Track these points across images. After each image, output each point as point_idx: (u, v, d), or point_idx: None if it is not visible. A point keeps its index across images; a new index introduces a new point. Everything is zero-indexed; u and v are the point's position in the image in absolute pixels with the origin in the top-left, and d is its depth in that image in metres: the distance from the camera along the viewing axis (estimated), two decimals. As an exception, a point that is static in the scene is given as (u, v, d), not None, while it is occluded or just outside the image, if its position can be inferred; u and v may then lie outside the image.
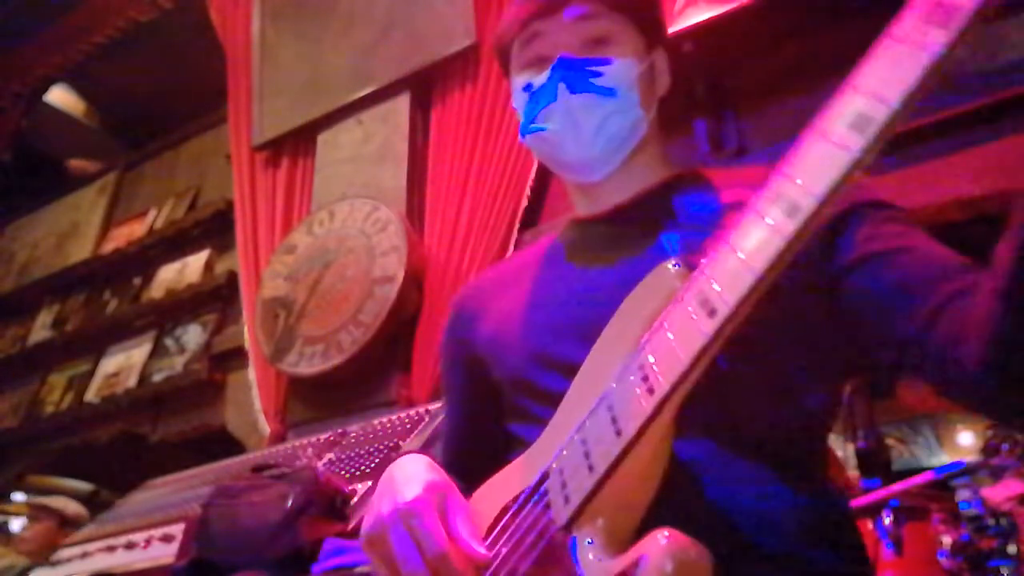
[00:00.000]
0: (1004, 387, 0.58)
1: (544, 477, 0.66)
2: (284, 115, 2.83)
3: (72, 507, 3.14)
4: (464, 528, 0.69)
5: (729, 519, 0.66)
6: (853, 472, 2.03)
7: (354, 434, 1.90)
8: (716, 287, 0.54)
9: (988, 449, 1.89)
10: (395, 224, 2.31)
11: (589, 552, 0.59)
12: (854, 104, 0.49)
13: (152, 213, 3.54)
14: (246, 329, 2.61)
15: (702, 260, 0.58)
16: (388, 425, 1.85)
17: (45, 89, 4.32)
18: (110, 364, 3.25)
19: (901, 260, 0.67)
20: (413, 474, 0.73)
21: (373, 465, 1.66)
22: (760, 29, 1.94)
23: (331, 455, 1.84)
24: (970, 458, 1.90)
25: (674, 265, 0.65)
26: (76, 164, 4.13)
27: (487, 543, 0.69)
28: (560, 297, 0.83)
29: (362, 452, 1.76)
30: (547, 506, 0.64)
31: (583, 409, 0.65)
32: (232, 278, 2.91)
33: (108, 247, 3.59)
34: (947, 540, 1.68)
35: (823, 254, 0.71)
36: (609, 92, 0.82)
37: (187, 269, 3.23)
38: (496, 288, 0.92)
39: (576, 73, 0.81)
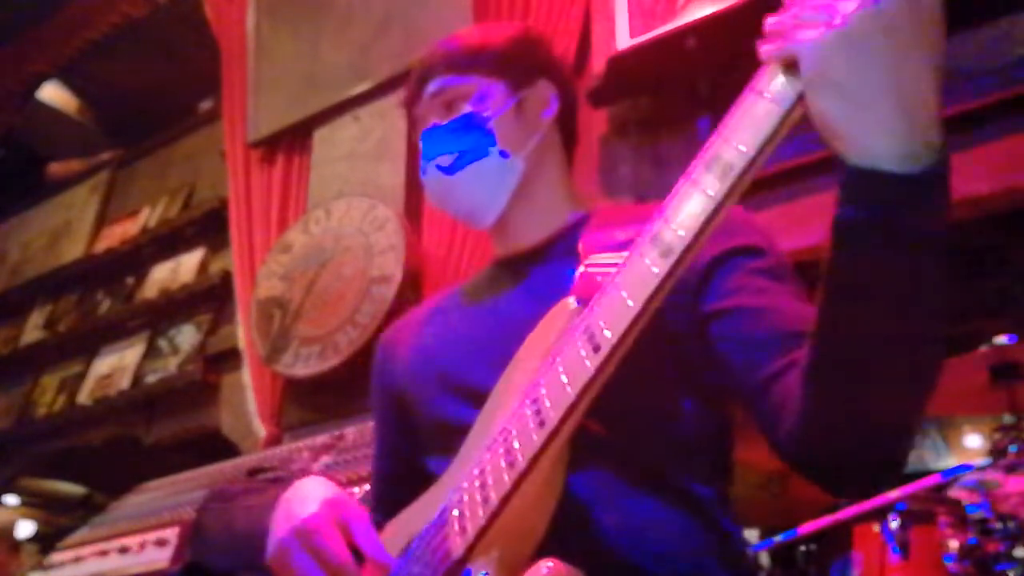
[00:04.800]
0: (807, 461, 0.64)
1: (444, 509, 0.69)
2: (280, 111, 2.81)
3: (20, 526, 3.10)
4: (367, 537, 0.71)
5: (619, 548, 0.69)
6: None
7: (351, 437, 1.88)
8: (601, 323, 0.59)
9: (996, 451, 1.88)
10: (393, 223, 2.29)
11: None
12: (719, 152, 0.54)
13: (145, 212, 3.51)
14: (241, 330, 2.58)
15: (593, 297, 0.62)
16: (386, 428, 1.82)
17: (38, 86, 4.29)
18: (103, 365, 3.22)
19: (755, 320, 0.71)
20: (307, 493, 0.75)
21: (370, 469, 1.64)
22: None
23: (327, 458, 1.82)
24: (977, 461, 1.89)
25: (574, 302, 0.69)
26: (57, 167, 4.09)
27: (391, 573, 0.71)
28: (468, 330, 0.88)
29: (359, 455, 1.74)
30: (444, 538, 0.67)
31: (484, 442, 0.68)
32: (227, 278, 2.88)
33: (101, 246, 3.56)
34: (954, 544, 1.67)
35: (696, 296, 0.75)
36: (458, 147, 0.87)
37: (181, 268, 3.21)
38: (415, 326, 0.96)
39: (432, 142, 0.89)
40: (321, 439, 1.97)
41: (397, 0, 2.59)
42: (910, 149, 0.50)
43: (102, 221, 3.71)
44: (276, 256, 2.55)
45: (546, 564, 0.57)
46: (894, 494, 1.71)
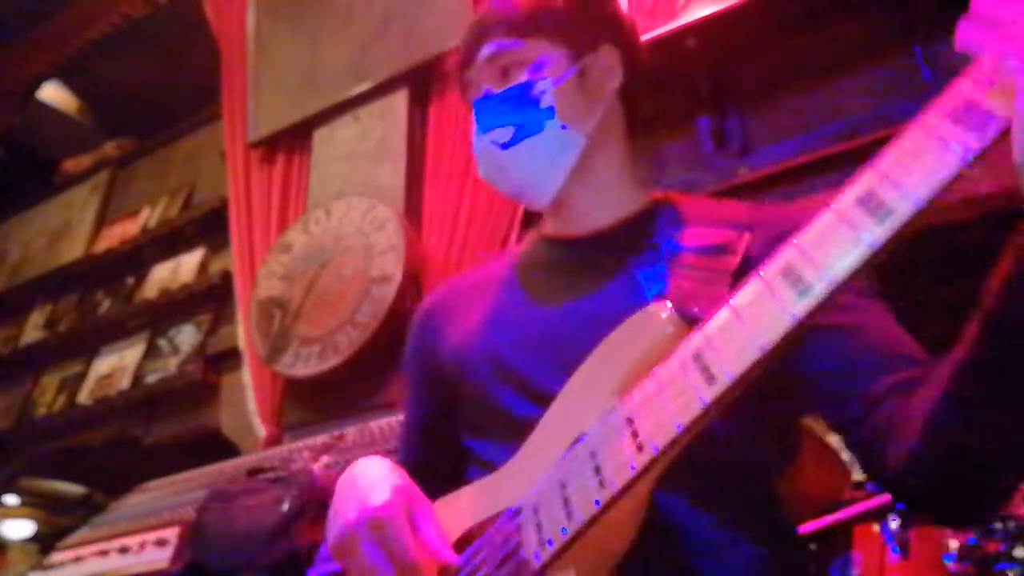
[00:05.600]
0: (917, 492, 0.61)
1: (517, 511, 0.65)
2: (280, 111, 2.80)
3: (6, 527, 3.10)
4: (434, 534, 0.68)
5: (697, 569, 0.66)
6: (860, 476, 2.01)
7: (351, 437, 1.88)
8: (718, 355, 0.52)
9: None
10: (393, 222, 2.28)
11: None
12: (879, 191, 0.46)
13: (145, 212, 3.51)
14: (241, 330, 2.58)
15: (695, 310, 0.57)
16: (386, 428, 1.83)
17: (38, 86, 4.29)
18: (103, 365, 3.22)
19: (855, 338, 0.67)
20: (378, 477, 0.70)
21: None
22: (764, 25, 1.92)
23: (327, 458, 1.82)
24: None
25: (667, 312, 0.63)
26: (70, 164, 4.09)
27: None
28: (529, 317, 0.81)
29: (359, 455, 1.73)
30: (519, 544, 0.63)
31: (557, 444, 0.64)
32: (227, 277, 2.88)
33: (101, 246, 3.56)
34: (954, 544, 1.67)
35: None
36: (514, 120, 0.82)
37: (181, 268, 3.20)
38: (463, 299, 0.90)
39: (485, 112, 0.83)
40: (321, 439, 1.97)
41: (397, 0, 2.59)
42: None
43: (102, 221, 3.71)
44: (276, 256, 2.55)
45: None
46: (894, 494, 1.71)
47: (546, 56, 0.83)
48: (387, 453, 1.67)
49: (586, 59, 0.84)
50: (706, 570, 0.66)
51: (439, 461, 0.85)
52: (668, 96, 2.08)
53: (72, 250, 3.67)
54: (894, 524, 1.68)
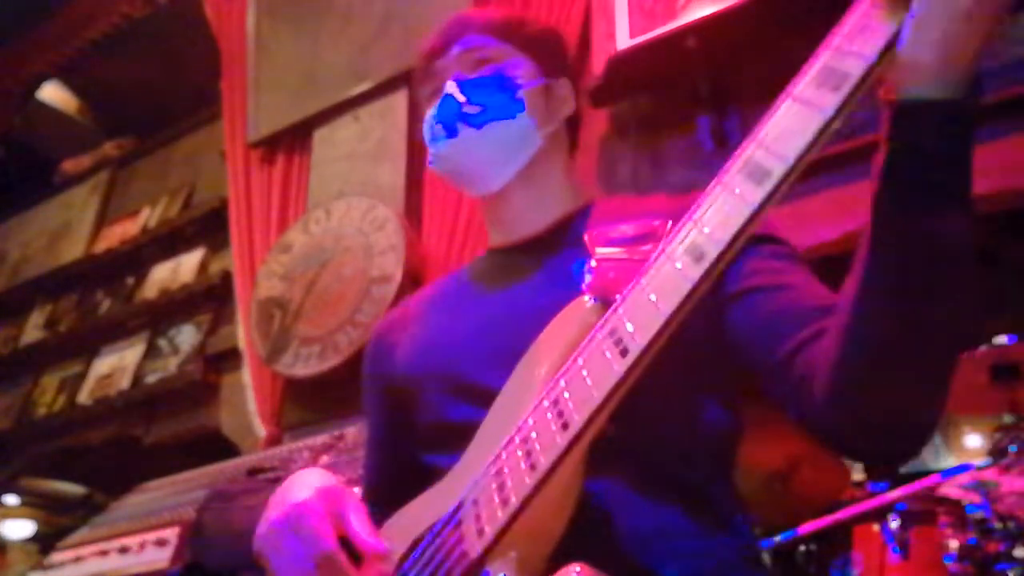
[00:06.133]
0: (845, 425, 0.62)
1: (458, 508, 0.67)
2: (280, 111, 2.81)
3: (6, 527, 3.09)
4: (361, 528, 0.70)
5: (636, 551, 0.68)
6: (860, 476, 2.01)
7: (351, 437, 1.88)
8: (629, 327, 0.58)
9: (996, 451, 1.88)
10: (393, 223, 2.29)
11: None
12: (756, 157, 0.53)
13: (145, 212, 3.51)
14: (241, 330, 2.58)
15: (616, 297, 0.61)
16: (386, 428, 1.82)
17: (38, 86, 4.29)
18: (103, 365, 3.22)
19: (775, 297, 0.71)
20: (303, 481, 0.74)
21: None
22: (764, 24, 1.92)
23: (328, 458, 1.82)
24: (977, 461, 1.89)
25: (590, 300, 0.68)
26: (69, 164, 4.09)
27: (399, 570, 0.70)
28: (474, 324, 0.84)
29: (359, 455, 1.73)
30: (460, 538, 0.65)
31: (498, 439, 0.66)
32: (227, 278, 2.88)
33: (101, 246, 3.56)
34: (954, 544, 1.67)
35: (714, 291, 0.73)
36: (489, 100, 0.85)
37: (181, 268, 3.20)
38: (412, 319, 0.93)
39: (458, 90, 0.86)
40: (321, 439, 1.97)
41: (397, 0, 2.59)
42: (965, 75, 0.50)
43: (102, 221, 3.71)
44: (276, 256, 2.55)
45: (574, 568, 0.56)
46: (894, 494, 1.71)
47: (519, 61, 0.88)
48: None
49: (551, 80, 0.91)
50: (647, 550, 0.68)
51: (402, 480, 0.86)
52: (668, 96, 2.08)
53: (72, 250, 3.67)
54: (894, 524, 1.68)
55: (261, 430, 2.37)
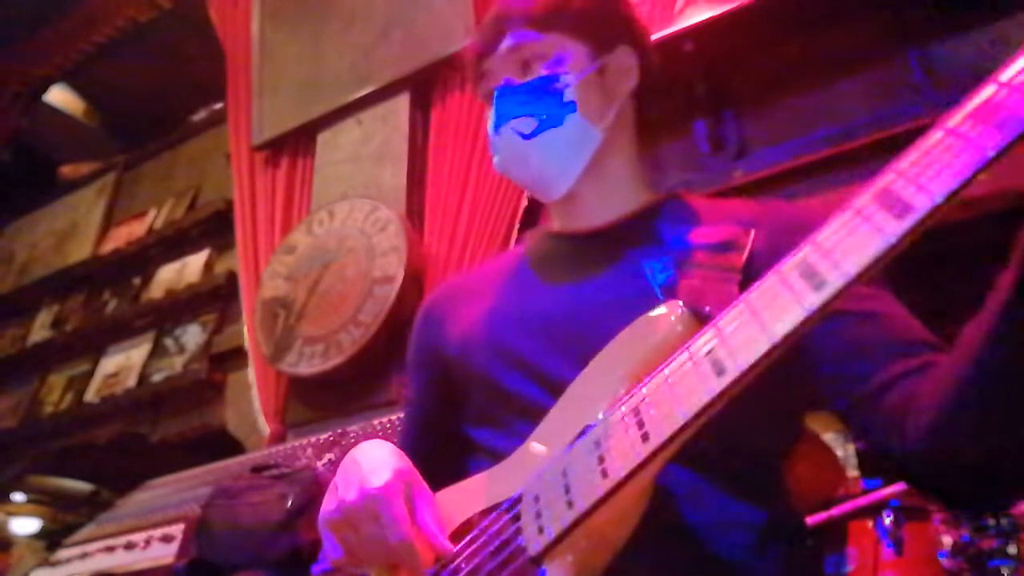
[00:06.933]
0: (945, 468, 0.59)
1: (517, 499, 0.65)
2: (284, 115, 2.83)
3: (12, 524, 3.10)
4: (430, 519, 0.69)
5: (705, 542, 0.66)
6: (854, 472, 2.03)
7: (354, 434, 1.90)
8: (730, 347, 0.52)
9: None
10: (395, 224, 2.31)
11: None
12: (897, 189, 0.47)
13: (151, 213, 3.53)
14: (246, 329, 2.60)
15: (706, 308, 0.58)
16: (388, 425, 1.84)
17: (44, 89, 4.31)
18: (109, 364, 3.24)
19: (865, 324, 0.67)
20: (380, 459, 0.71)
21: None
22: (760, 28, 1.94)
23: (331, 455, 1.84)
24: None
25: (679, 310, 0.64)
26: (68, 169, 4.12)
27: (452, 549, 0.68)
28: (540, 307, 0.82)
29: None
30: (518, 531, 0.63)
31: (565, 434, 0.64)
32: (232, 278, 2.91)
33: (107, 247, 3.58)
34: (948, 540, 1.67)
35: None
36: (537, 111, 0.82)
37: (186, 269, 3.23)
38: (467, 294, 0.91)
39: (507, 102, 0.84)
40: (325, 436, 1.99)
41: (399, 4, 2.61)
42: None
43: (109, 222, 3.73)
44: (280, 257, 2.57)
45: None
46: (888, 491, 1.72)
47: (567, 51, 0.84)
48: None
49: (605, 58, 0.85)
50: (714, 540, 0.66)
51: (439, 454, 0.86)
52: (665, 99, 2.10)
53: (79, 251, 3.69)
54: (888, 520, 1.69)
55: (265, 428, 2.38)
